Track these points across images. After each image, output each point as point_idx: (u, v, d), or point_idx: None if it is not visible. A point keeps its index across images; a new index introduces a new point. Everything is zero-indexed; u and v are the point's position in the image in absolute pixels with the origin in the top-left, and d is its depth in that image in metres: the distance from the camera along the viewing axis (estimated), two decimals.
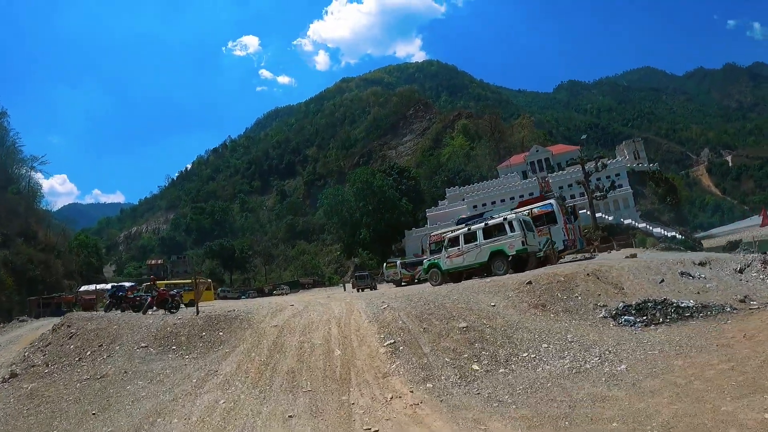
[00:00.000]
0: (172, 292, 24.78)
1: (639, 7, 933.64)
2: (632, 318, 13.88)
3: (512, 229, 25.19)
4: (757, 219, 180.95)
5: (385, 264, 64.05)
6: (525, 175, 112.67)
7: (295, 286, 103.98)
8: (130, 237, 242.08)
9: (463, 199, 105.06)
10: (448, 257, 27.21)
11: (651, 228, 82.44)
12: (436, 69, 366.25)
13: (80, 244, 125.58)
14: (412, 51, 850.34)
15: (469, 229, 27.21)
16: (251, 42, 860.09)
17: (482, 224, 26.83)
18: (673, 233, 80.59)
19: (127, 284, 35.75)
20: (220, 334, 15.64)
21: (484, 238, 25.98)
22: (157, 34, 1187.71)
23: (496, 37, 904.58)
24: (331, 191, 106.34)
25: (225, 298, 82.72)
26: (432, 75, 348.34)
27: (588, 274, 17.65)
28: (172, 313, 22.82)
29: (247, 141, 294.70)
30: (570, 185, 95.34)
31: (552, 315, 14.55)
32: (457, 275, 26.94)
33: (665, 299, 15.28)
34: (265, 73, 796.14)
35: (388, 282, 61.40)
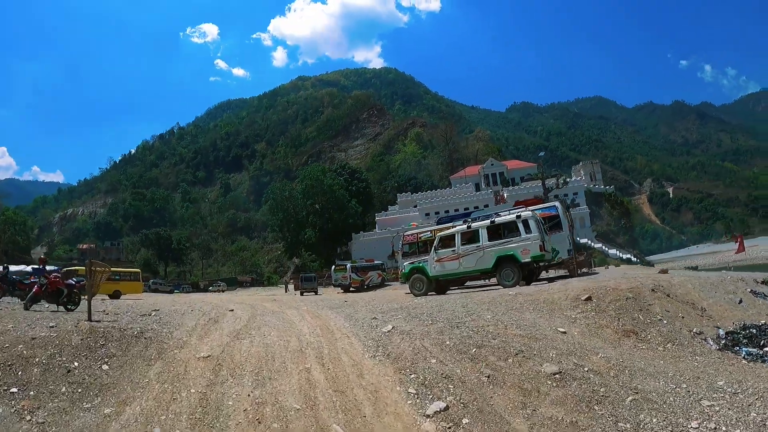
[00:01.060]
0: (70, 281, 17.91)
1: (596, 39, 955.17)
2: (755, 350, 10.48)
3: (528, 230, 20.47)
4: (697, 248, 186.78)
5: (333, 266, 58.69)
6: (478, 187, 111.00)
7: (233, 284, 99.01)
8: (66, 219, 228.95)
9: (415, 206, 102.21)
10: (437, 261, 22.28)
11: (607, 249, 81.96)
12: (393, 77, 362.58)
13: (7, 221, 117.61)
14: (370, 57, 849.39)
15: (468, 227, 22.23)
16: (211, 30, 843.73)
17: (487, 222, 21.84)
18: (629, 255, 79.53)
19: (50, 267, 28.45)
20: (104, 368, 8.58)
21: (489, 239, 21.12)
22: (115, 11, 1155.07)
23: (455, 53, 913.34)
24: (278, 186, 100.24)
25: (156, 290, 77.87)
26: (389, 82, 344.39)
27: (653, 290, 13.58)
28: (68, 310, 16.66)
29: (196, 130, 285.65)
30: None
31: (659, 348, 10.22)
32: (443, 284, 22.47)
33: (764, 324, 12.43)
34: (220, 64, 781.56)
35: (335, 286, 56.75)
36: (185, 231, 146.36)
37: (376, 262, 64.99)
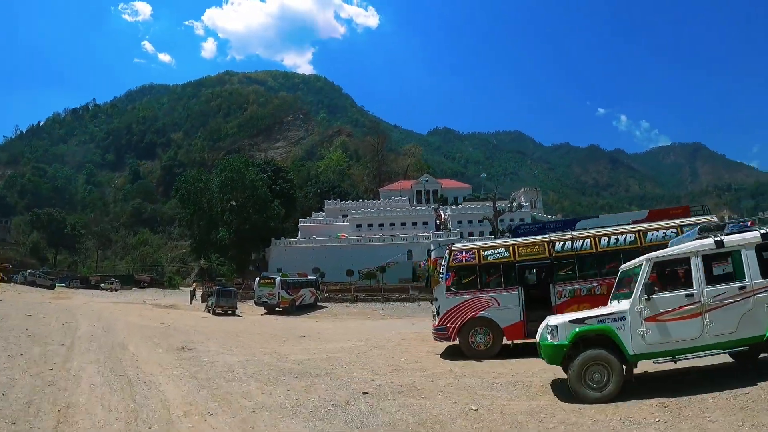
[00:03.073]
0: None
1: (521, 77, 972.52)
2: None
3: None
4: None
5: (258, 279, 44.94)
6: (410, 202, 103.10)
7: (129, 282, 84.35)
8: None
9: (345, 215, 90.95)
10: (653, 318, 9.30)
11: None
12: (322, 85, 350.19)
13: None
14: (299, 62, 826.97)
15: (718, 242, 9.55)
16: (144, 9, 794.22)
17: (756, 235, 9.44)
18: None
19: None
20: None
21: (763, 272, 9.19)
22: None
23: (385, 70, 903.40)
24: (193, 175, 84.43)
25: (32, 284, 61.31)
26: (316, 90, 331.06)
27: None
28: None
29: (112, 110, 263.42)
30: (470, 221, 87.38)
31: None
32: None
33: None
34: (147, 46, 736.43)
35: (258, 304, 43.24)
36: (84, 216, 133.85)
37: (310, 277, 51.85)
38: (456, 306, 16.13)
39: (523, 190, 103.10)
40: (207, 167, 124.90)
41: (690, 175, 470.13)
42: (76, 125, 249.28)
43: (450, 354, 16.28)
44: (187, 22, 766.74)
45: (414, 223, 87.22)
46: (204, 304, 44.12)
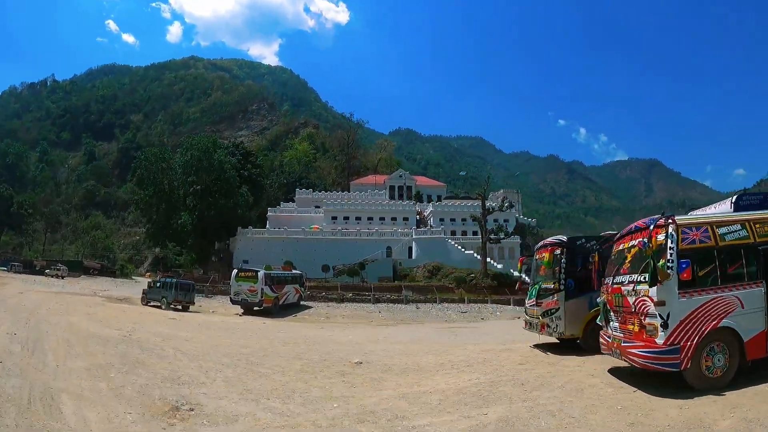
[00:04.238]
0: None
1: (485, 82, 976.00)
2: None
3: None
4: None
5: (236, 272, 36.55)
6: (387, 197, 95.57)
7: (77, 269, 75.23)
8: None
9: (318, 206, 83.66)
10: None
11: None
12: (287, 78, 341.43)
13: None
14: (265, 53, 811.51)
15: None
16: None
17: None
18: None
19: None
20: None
21: None
22: None
23: (351, 67, 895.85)
24: (154, 152, 75.03)
25: None
26: (282, 82, 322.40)
27: None
28: None
29: (71, 87, 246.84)
30: (453, 219, 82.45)
31: None
32: None
33: None
34: (111, 25, 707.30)
35: (235, 302, 35.46)
36: (33, 195, 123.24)
37: (294, 271, 43.71)
38: (694, 312, 10.06)
39: (502, 191, 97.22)
40: (166, 160, 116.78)
41: (645, 189, 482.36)
42: (32, 100, 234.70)
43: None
44: (154, 4, 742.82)
45: (393, 219, 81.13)
46: (148, 297, 37.07)
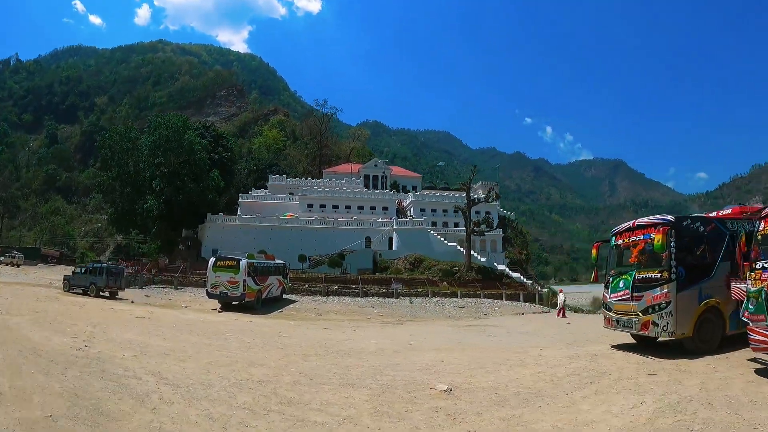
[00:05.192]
0: None
1: (452, 79, 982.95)
2: None
3: None
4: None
5: (213, 261, 31.52)
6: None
7: (35, 256, 71.62)
8: None
9: (292, 193, 78.62)
10: None
11: (523, 279, 65.73)
12: (257, 65, 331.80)
13: None
14: (234, 40, 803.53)
15: None
16: None
17: None
18: (545, 289, 65.82)
19: None
20: None
21: None
22: None
23: (321, 57, 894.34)
24: (120, 131, 68.96)
25: None
26: (251, 70, 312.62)
27: None
28: None
29: (35, 67, 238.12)
30: (434, 210, 78.92)
31: None
32: None
33: None
34: (78, 6, 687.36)
35: (212, 296, 30.55)
36: None
37: (277, 261, 38.74)
38: None
39: (481, 183, 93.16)
40: (131, 140, 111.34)
41: (609, 189, 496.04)
42: None
43: None
44: None
45: (372, 208, 76.79)
46: (71, 284, 34.12)
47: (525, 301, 50.67)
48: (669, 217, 13.68)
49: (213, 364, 11.91)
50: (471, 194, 66.37)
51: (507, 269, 67.16)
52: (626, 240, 14.75)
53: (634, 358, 13.12)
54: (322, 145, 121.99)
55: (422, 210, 76.81)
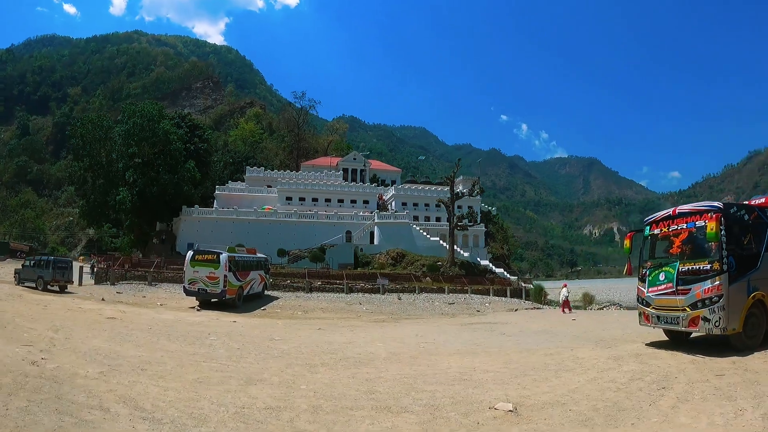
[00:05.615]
0: None
1: (429, 75, 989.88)
2: None
3: None
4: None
5: (191, 255, 28.99)
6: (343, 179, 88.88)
7: (3, 251, 71.14)
8: None
9: (270, 186, 76.69)
10: None
11: (507, 275, 63.95)
12: (233, 58, 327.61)
13: None
14: (211, 32, 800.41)
15: None
16: None
17: None
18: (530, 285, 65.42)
19: None
20: None
21: None
22: None
23: (298, 52, 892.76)
24: (92, 119, 65.87)
25: None
26: (227, 63, 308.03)
27: None
28: None
29: (7, 56, 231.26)
30: (416, 204, 76.91)
31: None
32: None
33: None
34: None
35: (189, 293, 28.17)
36: None
37: (258, 255, 36.38)
38: None
39: (462, 178, 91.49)
40: (104, 129, 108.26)
41: (583, 186, 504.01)
42: None
43: None
44: None
45: (353, 201, 74.95)
46: (21, 277, 33.12)
47: (512, 296, 49.62)
48: (717, 204, 12.35)
49: (201, 383, 9.40)
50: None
51: (490, 264, 66.17)
52: (665, 229, 13.31)
53: (683, 357, 11.95)
54: (300, 138, 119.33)
55: (404, 204, 74.98)
